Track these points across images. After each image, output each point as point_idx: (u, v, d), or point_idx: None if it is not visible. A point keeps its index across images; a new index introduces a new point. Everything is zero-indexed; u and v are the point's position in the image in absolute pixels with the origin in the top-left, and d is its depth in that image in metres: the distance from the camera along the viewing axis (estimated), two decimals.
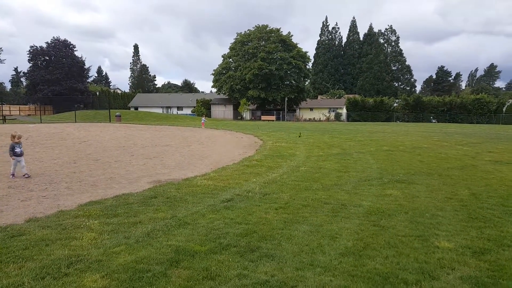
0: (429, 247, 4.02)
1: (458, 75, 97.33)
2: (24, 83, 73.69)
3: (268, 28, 57.24)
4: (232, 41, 58.83)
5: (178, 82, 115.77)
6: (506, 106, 53.98)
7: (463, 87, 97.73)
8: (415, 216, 5.17)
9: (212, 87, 61.50)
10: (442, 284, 3.18)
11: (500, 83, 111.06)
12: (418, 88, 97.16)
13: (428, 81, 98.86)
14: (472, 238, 4.29)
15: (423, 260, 3.67)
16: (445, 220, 5.00)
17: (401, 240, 4.23)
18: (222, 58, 59.49)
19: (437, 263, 3.61)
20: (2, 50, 65.21)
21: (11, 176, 7.73)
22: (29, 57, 63.55)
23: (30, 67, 64.09)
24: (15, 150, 7.72)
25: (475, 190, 6.92)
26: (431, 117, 54.83)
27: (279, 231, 4.49)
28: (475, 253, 3.87)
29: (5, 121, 34.74)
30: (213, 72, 58.86)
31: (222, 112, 60.90)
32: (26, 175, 7.73)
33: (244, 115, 59.18)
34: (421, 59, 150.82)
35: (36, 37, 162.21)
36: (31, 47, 63.17)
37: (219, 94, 61.58)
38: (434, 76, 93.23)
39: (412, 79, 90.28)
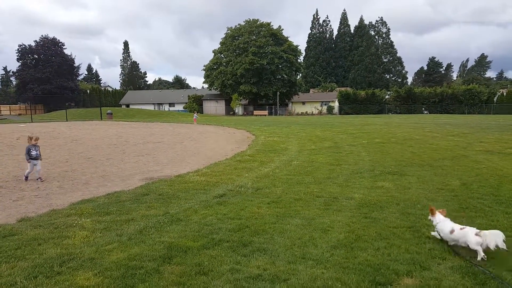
0: (420, 238, 4.08)
1: (449, 66, 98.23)
2: (14, 82, 72.41)
3: (258, 22, 56.95)
4: (223, 36, 58.54)
5: (169, 78, 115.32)
6: (497, 96, 54.64)
7: (454, 78, 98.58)
8: (407, 208, 5.23)
9: (204, 82, 61.12)
10: (433, 274, 3.23)
11: (491, 73, 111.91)
12: (410, 80, 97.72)
13: (419, 73, 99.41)
14: None
15: (414, 251, 3.72)
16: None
17: (393, 231, 4.29)
18: (213, 54, 59.12)
19: (428, 254, 3.66)
20: None
21: (25, 178, 7.33)
22: (18, 56, 62.45)
23: (19, 66, 62.98)
24: (31, 153, 7.35)
25: (466, 180, 7.01)
26: (423, 109, 55.24)
27: (271, 225, 4.51)
28: None
29: None
30: (204, 67, 58.50)
31: (214, 107, 60.66)
32: (40, 179, 7.33)
33: (237, 111, 59.03)
34: (412, 51, 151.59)
35: (24, 36, 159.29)
36: (20, 45, 62.09)
37: (210, 89, 61.29)
38: (425, 68, 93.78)
39: (403, 71, 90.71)
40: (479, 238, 3.52)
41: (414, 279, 3.17)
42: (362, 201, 5.58)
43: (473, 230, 3.64)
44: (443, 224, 3.91)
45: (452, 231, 3.77)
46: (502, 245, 3.44)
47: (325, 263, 3.46)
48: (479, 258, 3.48)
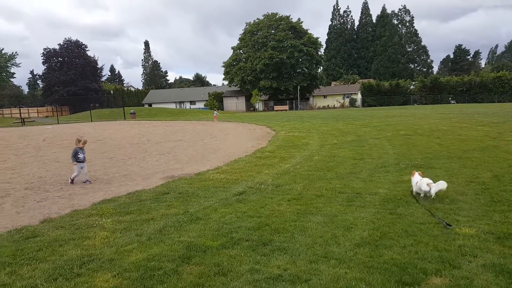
0: (449, 234, 3.85)
1: (477, 53, 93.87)
2: (41, 85, 75.32)
3: (277, 16, 56.43)
4: (242, 31, 58.41)
5: (190, 76, 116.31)
6: None
7: (483, 66, 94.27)
8: (434, 202, 4.97)
9: (224, 79, 61.43)
10: (463, 273, 3.02)
11: None
12: (435, 69, 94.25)
13: (445, 61, 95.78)
14: (495, 223, 4.08)
15: (443, 248, 3.51)
16: (466, 205, 4.79)
17: (420, 228, 4.07)
18: (232, 50, 59.15)
19: (458, 251, 3.44)
20: (18, 54, 66.52)
21: (70, 181, 7.21)
22: (43, 59, 64.84)
23: (45, 69, 65.42)
24: (78, 156, 7.25)
25: (497, 172, 6.62)
26: (450, 98, 53.23)
27: (292, 223, 4.39)
28: (499, 238, 3.67)
29: (24, 124, 35.70)
30: (224, 64, 58.66)
31: (235, 104, 60.83)
32: (88, 182, 7.26)
33: (257, 106, 58.94)
34: (438, 39, 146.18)
35: (49, 39, 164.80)
36: (45, 49, 64.41)
37: (230, 86, 61.45)
38: (452, 56, 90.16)
39: (428, 60, 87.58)
40: (427, 187, 5.06)
41: (443, 278, 2.98)
42: (387, 196, 5.36)
43: (427, 180, 5.15)
44: (420, 181, 5.21)
45: (421, 186, 5.15)
46: (443, 187, 5.06)
47: (348, 263, 3.31)
48: (432, 195, 5.06)
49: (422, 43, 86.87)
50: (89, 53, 69.86)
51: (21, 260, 3.57)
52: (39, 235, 4.27)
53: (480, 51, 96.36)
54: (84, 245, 3.93)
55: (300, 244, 3.76)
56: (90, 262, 3.49)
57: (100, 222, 4.67)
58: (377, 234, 3.95)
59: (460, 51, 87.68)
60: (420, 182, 5.17)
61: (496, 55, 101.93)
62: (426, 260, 3.29)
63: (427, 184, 5.04)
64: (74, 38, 66.32)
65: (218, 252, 3.65)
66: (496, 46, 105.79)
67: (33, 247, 3.90)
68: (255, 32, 56.25)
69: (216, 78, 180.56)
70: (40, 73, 68.27)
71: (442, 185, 5.04)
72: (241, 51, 58.06)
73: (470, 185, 5.81)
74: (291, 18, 56.42)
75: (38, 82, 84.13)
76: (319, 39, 57.55)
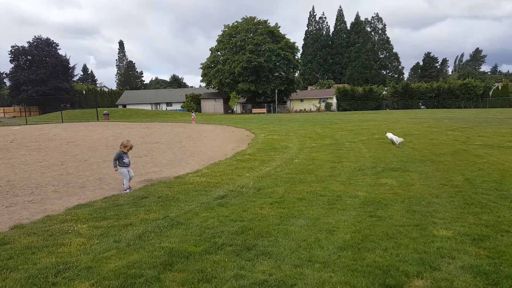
0: (427, 236, 3.96)
1: (444, 61, 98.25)
2: (8, 84, 71.74)
3: (255, 20, 56.73)
4: (220, 33, 58.20)
5: (167, 77, 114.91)
6: (492, 89, 54.75)
7: (450, 73, 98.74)
8: (412, 205, 5.11)
9: (201, 81, 60.94)
10: (444, 275, 3.11)
11: (485, 67, 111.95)
12: (406, 75, 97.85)
13: (415, 68, 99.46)
14: (470, 225, 4.24)
15: (423, 250, 3.60)
16: (442, 208, 4.96)
17: (399, 230, 4.16)
18: (210, 52, 58.83)
19: (437, 253, 3.54)
20: None
21: (128, 189, 6.48)
22: (10, 57, 61.83)
23: (12, 68, 62.37)
24: (124, 160, 6.65)
25: (468, 175, 6.91)
26: (420, 104, 55.31)
27: (275, 227, 4.38)
28: (474, 240, 3.81)
29: None
30: (202, 65, 58.21)
31: (213, 106, 60.44)
32: (129, 190, 6.54)
33: (235, 109, 58.86)
34: (408, 46, 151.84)
35: (17, 37, 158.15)
36: (13, 47, 61.43)
37: (208, 88, 61.05)
38: (421, 63, 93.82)
39: (400, 67, 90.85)
40: (395, 139, 11.18)
41: (424, 280, 3.05)
42: (366, 199, 5.46)
43: (393, 136, 11.46)
44: (391, 136, 11.45)
45: (391, 138, 11.36)
46: (402, 140, 11.26)
47: (332, 266, 3.33)
48: (397, 144, 11.07)
49: (394, 50, 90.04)
50: (61, 52, 67.46)
51: None
52: (9, 242, 4.02)
53: (447, 59, 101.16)
54: (59, 252, 3.73)
55: (284, 248, 3.75)
56: (66, 270, 3.31)
57: (76, 228, 4.46)
58: (358, 237, 4.00)
59: (429, 58, 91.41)
60: (391, 136, 11.46)
61: (462, 63, 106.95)
62: (408, 262, 3.36)
63: (395, 138, 11.33)
64: (44, 36, 63.81)
65: (201, 258, 3.57)
66: (462, 55, 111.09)
67: (3, 255, 3.66)
68: (233, 35, 56.24)
69: (194, 80, 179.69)
70: (7, 72, 65.11)
71: (401, 139, 11.25)
72: (219, 53, 57.84)
73: (444, 188, 6.02)
74: (269, 23, 56.90)
75: (4, 81, 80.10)
76: (296, 44, 58.36)
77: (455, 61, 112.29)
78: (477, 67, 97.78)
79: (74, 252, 3.73)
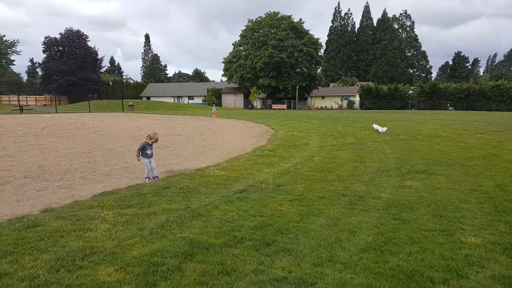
0: (455, 243, 3.82)
1: (476, 61, 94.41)
2: (40, 74, 74.54)
3: (279, 15, 56.24)
4: (243, 28, 58.15)
5: (189, 71, 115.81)
6: None
7: (481, 73, 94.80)
8: (438, 209, 4.95)
9: (223, 75, 61.07)
10: (472, 284, 2.99)
11: None
12: (434, 75, 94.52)
13: (444, 68, 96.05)
14: (501, 233, 4.06)
15: (449, 257, 3.48)
16: (470, 214, 4.78)
17: (425, 234, 4.04)
18: (233, 46, 58.91)
19: (465, 260, 3.41)
20: (18, 42, 65.51)
21: (148, 179, 6.75)
22: (44, 48, 64.08)
23: (45, 58, 64.66)
24: (147, 152, 6.85)
25: (500, 181, 6.62)
26: (448, 105, 53.40)
27: (295, 224, 4.35)
28: (506, 249, 3.64)
29: (22, 111, 35.36)
30: (224, 60, 58.40)
31: (233, 101, 60.61)
32: (156, 178, 6.84)
33: (255, 104, 58.80)
34: (437, 45, 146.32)
35: (49, 28, 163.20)
36: (46, 38, 63.63)
37: (229, 83, 61.20)
38: (451, 62, 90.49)
39: (427, 66, 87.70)
40: (380, 129, 15.23)
41: None
42: (389, 201, 5.33)
43: (378, 126, 15.60)
44: (376, 126, 15.59)
45: (377, 128, 15.43)
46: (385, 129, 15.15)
47: (354, 268, 3.27)
48: (381, 132, 15.05)
49: (422, 49, 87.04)
50: (90, 44, 69.29)
51: (23, 250, 3.50)
52: (40, 225, 4.20)
53: (479, 59, 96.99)
54: (86, 237, 3.86)
55: (304, 246, 3.72)
56: (92, 254, 3.42)
57: (102, 214, 4.60)
58: (381, 239, 3.92)
59: (459, 58, 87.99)
60: (377, 127, 15.30)
61: (495, 63, 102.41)
62: (433, 268, 3.26)
63: (380, 128, 15.14)
64: (75, 28, 65.89)
65: (221, 250, 3.60)
66: (495, 55, 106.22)
67: (35, 236, 3.83)
68: (256, 30, 55.99)
69: (215, 74, 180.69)
70: (40, 62, 67.58)
71: (384, 129, 15.07)
72: (241, 48, 57.77)
73: (473, 193, 5.80)
74: (293, 18, 56.20)
75: (37, 70, 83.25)
76: (319, 40, 57.47)
77: (487, 62, 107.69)
78: (511, 68, 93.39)
79: (100, 238, 3.84)
